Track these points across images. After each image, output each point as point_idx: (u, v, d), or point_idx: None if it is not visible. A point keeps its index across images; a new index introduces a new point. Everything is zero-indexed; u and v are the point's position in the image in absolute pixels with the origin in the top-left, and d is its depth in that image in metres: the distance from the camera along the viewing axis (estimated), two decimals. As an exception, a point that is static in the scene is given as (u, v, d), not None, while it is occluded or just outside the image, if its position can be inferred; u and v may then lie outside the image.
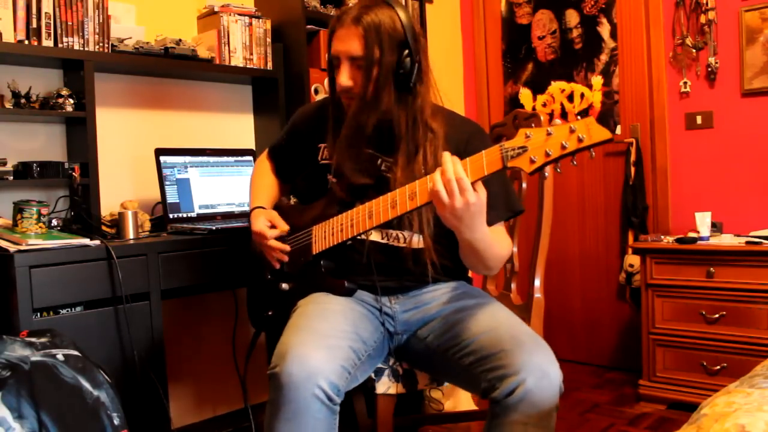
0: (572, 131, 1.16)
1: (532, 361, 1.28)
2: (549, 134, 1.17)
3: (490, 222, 1.50)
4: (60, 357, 1.47)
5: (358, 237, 1.52)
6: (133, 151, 2.40)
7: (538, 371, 1.27)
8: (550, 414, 1.28)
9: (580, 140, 1.15)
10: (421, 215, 1.50)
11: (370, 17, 1.48)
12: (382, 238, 1.57)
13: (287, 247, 1.62)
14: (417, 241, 1.56)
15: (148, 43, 2.25)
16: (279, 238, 1.63)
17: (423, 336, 1.51)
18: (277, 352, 1.33)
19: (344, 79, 1.50)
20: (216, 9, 2.45)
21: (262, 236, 1.62)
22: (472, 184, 1.24)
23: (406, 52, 1.49)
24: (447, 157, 1.26)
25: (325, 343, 1.34)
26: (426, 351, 1.51)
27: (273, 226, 1.63)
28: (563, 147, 1.16)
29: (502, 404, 1.28)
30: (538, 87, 3.43)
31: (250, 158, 2.48)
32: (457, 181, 1.23)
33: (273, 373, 1.31)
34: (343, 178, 1.58)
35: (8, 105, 2.03)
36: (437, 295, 1.57)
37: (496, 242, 1.43)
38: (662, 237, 2.73)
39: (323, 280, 1.56)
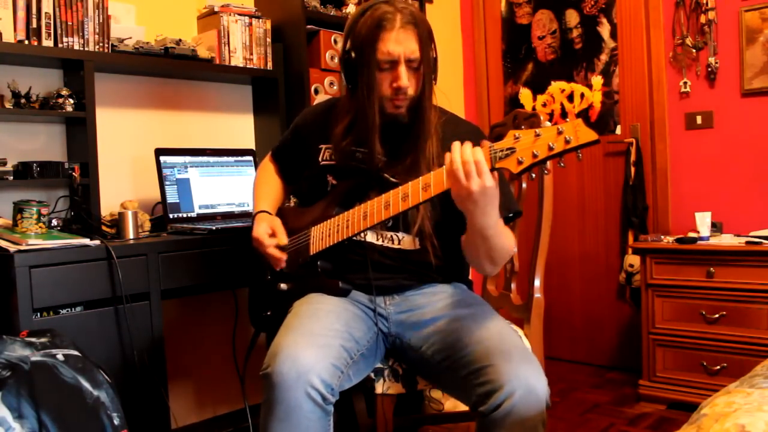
0: (560, 133, 1.16)
1: (518, 375, 1.27)
2: (537, 136, 1.18)
3: None
4: (60, 357, 1.47)
5: (355, 238, 1.53)
6: (133, 151, 2.40)
7: (524, 386, 1.26)
8: (536, 429, 1.27)
9: (567, 142, 1.16)
10: (416, 216, 1.50)
11: (418, 17, 1.50)
12: (378, 239, 1.57)
13: (284, 257, 1.62)
14: (411, 242, 1.56)
15: (148, 43, 2.25)
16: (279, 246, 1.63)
17: (417, 346, 1.51)
18: (269, 352, 1.34)
19: (406, 80, 1.49)
20: (216, 9, 2.45)
21: (260, 243, 1.63)
22: (492, 169, 1.24)
23: (433, 47, 1.53)
24: (464, 144, 1.25)
25: (316, 342, 1.34)
26: (420, 359, 1.50)
27: (273, 234, 1.63)
28: (550, 148, 1.17)
29: (490, 419, 1.27)
30: (538, 87, 3.44)
31: (250, 158, 2.48)
32: (475, 164, 1.23)
33: (265, 374, 1.31)
34: (343, 178, 1.59)
35: (8, 105, 2.03)
36: (433, 300, 1.56)
37: (503, 234, 1.43)
38: (662, 237, 2.73)
39: (319, 280, 1.57)
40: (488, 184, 1.23)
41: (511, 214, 1.56)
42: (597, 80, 3.23)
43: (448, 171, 1.26)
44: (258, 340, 1.89)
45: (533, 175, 1.23)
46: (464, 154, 1.23)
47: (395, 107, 1.52)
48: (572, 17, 3.32)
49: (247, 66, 2.50)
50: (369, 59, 1.49)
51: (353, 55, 1.53)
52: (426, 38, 1.50)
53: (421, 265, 1.56)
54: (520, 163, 1.19)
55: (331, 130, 1.62)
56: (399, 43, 1.47)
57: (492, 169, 1.24)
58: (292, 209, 1.81)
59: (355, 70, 1.53)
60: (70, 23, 2.05)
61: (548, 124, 1.19)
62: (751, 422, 0.82)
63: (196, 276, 2.03)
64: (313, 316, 1.45)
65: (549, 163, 1.22)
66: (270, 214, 1.71)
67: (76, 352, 1.51)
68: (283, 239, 1.63)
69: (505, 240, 1.43)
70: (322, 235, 1.55)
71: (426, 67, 1.51)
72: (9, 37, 1.93)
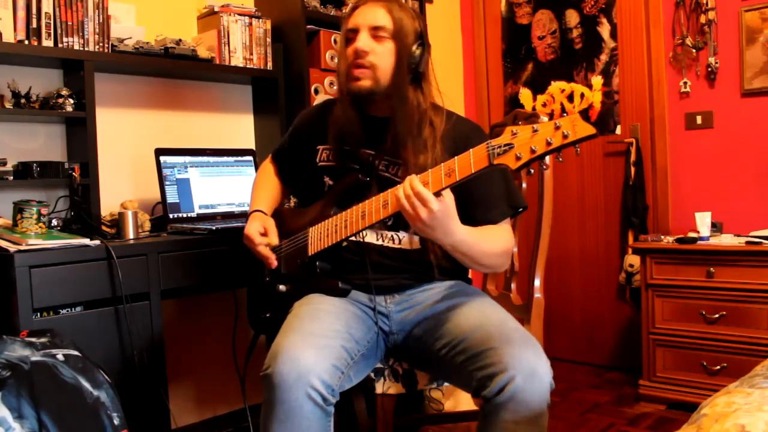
0: (557, 128, 1.16)
1: (520, 358, 1.27)
2: (535, 131, 1.18)
3: (493, 220, 1.50)
4: (60, 357, 1.47)
5: (354, 238, 1.53)
6: (133, 151, 2.40)
7: (527, 368, 1.26)
8: (541, 412, 1.27)
9: (564, 136, 1.16)
10: None
11: (397, 2, 1.53)
12: (377, 239, 1.57)
13: (273, 257, 1.62)
14: (411, 241, 1.56)
15: (148, 43, 2.25)
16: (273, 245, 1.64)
17: (418, 335, 1.52)
18: (269, 353, 1.34)
19: (362, 42, 1.49)
20: (216, 9, 2.45)
21: (250, 240, 1.64)
22: (439, 192, 1.27)
23: (419, 43, 1.53)
24: (405, 180, 1.29)
25: (316, 343, 1.35)
26: (421, 350, 1.51)
27: (265, 234, 1.64)
28: (548, 143, 1.17)
29: (493, 403, 1.27)
30: (538, 87, 3.44)
31: (250, 158, 2.48)
32: (416, 195, 1.26)
33: (265, 374, 1.31)
34: (340, 179, 1.59)
35: (8, 105, 2.03)
36: (432, 294, 1.57)
37: (483, 241, 1.43)
38: (662, 237, 2.73)
39: (318, 281, 1.57)
40: (435, 209, 1.26)
41: (519, 209, 1.56)
42: (597, 80, 3.23)
43: (401, 210, 1.30)
44: (258, 340, 1.89)
45: (531, 171, 1.23)
46: (405, 188, 1.27)
47: (354, 78, 1.52)
48: (572, 17, 3.32)
49: (247, 66, 2.50)
50: (342, 35, 1.56)
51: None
52: (400, 18, 1.51)
53: (421, 264, 1.57)
54: (518, 158, 1.19)
55: (327, 131, 1.62)
56: (364, 14, 1.52)
57: (435, 193, 1.26)
58: (290, 210, 1.81)
59: None
60: (70, 23, 2.04)
61: (545, 119, 1.19)
62: (751, 422, 0.82)
63: (196, 276, 2.03)
64: (313, 317, 1.45)
65: (548, 159, 1.22)
66: (265, 214, 1.71)
67: (76, 352, 1.51)
68: (274, 240, 1.63)
69: (486, 246, 1.44)
70: (320, 236, 1.55)
71: (398, 45, 1.50)
72: (9, 37, 1.93)
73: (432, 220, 1.27)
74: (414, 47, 1.52)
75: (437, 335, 1.46)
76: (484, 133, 1.64)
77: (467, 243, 1.38)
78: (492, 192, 1.50)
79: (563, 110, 1.19)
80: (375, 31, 1.50)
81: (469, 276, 1.71)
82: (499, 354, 1.29)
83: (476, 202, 1.49)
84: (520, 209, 1.57)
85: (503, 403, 1.26)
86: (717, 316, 2.49)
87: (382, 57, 1.51)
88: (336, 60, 2.61)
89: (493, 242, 1.46)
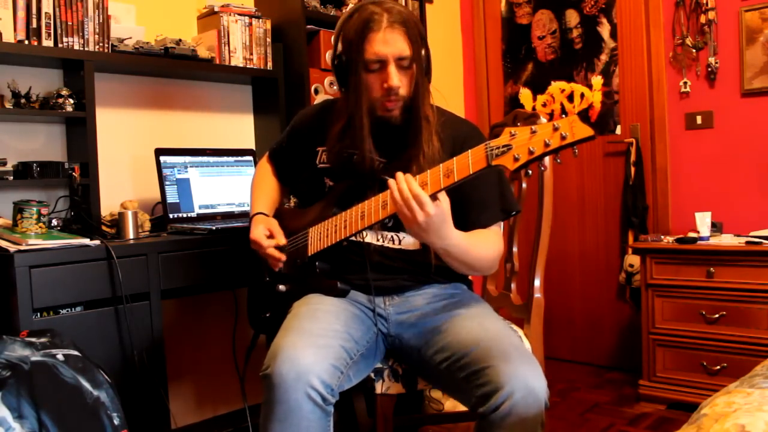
0: (555, 129, 1.17)
1: (517, 376, 1.27)
2: (533, 132, 1.18)
3: (485, 223, 1.50)
4: (60, 357, 1.47)
5: (354, 238, 1.52)
6: (133, 151, 2.40)
7: (524, 387, 1.26)
8: (535, 430, 1.28)
9: (563, 138, 1.16)
10: None
11: (404, 15, 1.49)
12: (378, 240, 1.57)
13: (283, 257, 1.62)
14: (412, 242, 1.56)
15: (148, 43, 2.25)
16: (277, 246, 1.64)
17: (417, 347, 1.51)
18: (269, 353, 1.34)
19: (396, 80, 1.48)
20: (216, 9, 2.45)
21: (258, 245, 1.63)
22: (435, 194, 1.27)
23: (425, 46, 1.53)
24: (399, 176, 1.28)
25: (315, 343, 1.35)
26: (420, 362, 1.51)
27: (271, 236, 1.63)
28: (546, 145, 1.17)
29: (488, 420, 1.27)
30: (538, 87, 3.44)
31: (250, 158, 2.48)
32: (414, 198, 1.26)
33: (265, 374, 1.31)
34: (341, 180, 1.59)
35: (8, 105, 2.03)
36: (433, 301, 1.56)
37: (476, 245, 1.43)
38: (662, 237, 2.73)
39: (318, 281, 1.57)
40: (431, 212, 1.26)
41: (512, 213, 1.56)
42: (597, 80, 3.23)
43: (396, 210, 1.29)
44: (258, 339, 1.89)
45: (530, 172, 1.23)
46: (402, 191, 1.27)
47: (387, 109, 1.52)
48: (572, 17, 3.32)
49: (247, 66, 2.50)
50: (357, 61, 1.49)
51: (344, 58, 1.53)
52: (416, 36, 1.49)
53: (421, 265, 1.56)
54: (516, 159, 1.20)
55: (327, 132, 1.62)
56: (386, 43, 1.47)
57: (432, 195, 1.26)
58: (290, 210, 1.81)
59: (346, 72, 1.53)
60: (70, 23, 2.04)
61: (545, 120, 1.19)
62: (751, 422, 0.82)
63: (196, 276, 2.03)
64: (312, 316, 1.45)
65: (547, 160, 1.22)
66: (267, 215, 1.71)
67: (76, 352, 1.51)
68: (282, 239, 1.63)
69: (477, 252, 1.44)
70: (320, 236, 1.55)
71: (418, 66, 1.50)
72: (9, 37, 1.93)
73: (428, 224, 1.28)
74: (423, 52, 1.53)
75: (437, 348, 1.45)
76: (482, 135, 1.64)
77: (460, 247, 1.38)
78: (485, 195, 1.50)
79: (563, 110, 1.20)
80: (401, 62, 1.49)
81: (470, 278, 1.71)
82: (496, 372, 1.29)
83: (469, 204, 1.49)
84: (513, 213, 1.58)
85: (498, 421, 1.26)
86: (717, 316, 2.49)
87: (409, 86, 1.52)
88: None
89: (484, 247, 1.47)
